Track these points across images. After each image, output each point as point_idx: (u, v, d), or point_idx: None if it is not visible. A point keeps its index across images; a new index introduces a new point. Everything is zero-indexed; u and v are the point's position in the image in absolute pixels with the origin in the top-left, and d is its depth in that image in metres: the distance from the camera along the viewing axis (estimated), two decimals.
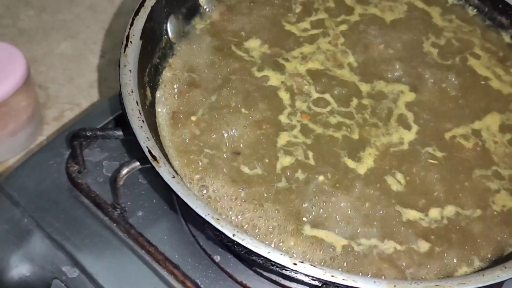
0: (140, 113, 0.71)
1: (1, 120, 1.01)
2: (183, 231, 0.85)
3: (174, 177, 0.67)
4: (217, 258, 0.82)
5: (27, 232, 0.84)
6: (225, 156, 0.79)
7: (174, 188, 0.65)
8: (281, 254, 0.63)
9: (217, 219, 0.64)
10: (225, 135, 0.81)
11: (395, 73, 0.90)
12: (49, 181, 0.87)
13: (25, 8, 1.30)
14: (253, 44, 0.92)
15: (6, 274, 0.82)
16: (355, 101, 0.87)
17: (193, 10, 0.94)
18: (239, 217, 0.75)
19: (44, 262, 0.82)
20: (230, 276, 0.81)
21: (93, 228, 0.84)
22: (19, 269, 0.82)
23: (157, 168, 0.67)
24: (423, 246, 0.75)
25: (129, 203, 0.86)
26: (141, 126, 0.70)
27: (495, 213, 0.78)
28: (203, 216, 0.64)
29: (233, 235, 0.64)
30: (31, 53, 1.21)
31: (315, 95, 0.87)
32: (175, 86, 0.84)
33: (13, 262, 0.83)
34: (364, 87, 0.88)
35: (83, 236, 0.83)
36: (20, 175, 0.88)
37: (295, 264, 0.62)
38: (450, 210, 0.78)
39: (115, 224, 0.84)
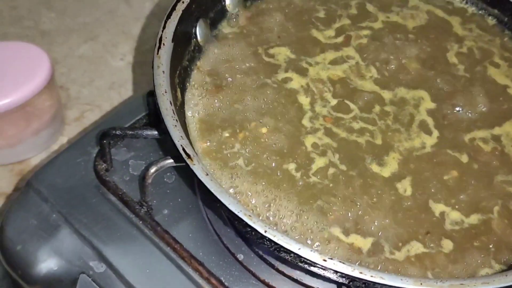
0: (174, 112, 0.73)
1: (25, 119, 1.03)
2: (207, 230, 0.86)
3: (207, 174, 0.68)
4: (241, 256, 0.83)
5: (55, 227, 0.85)
6: (251, 156, 0.82)
7: (208, 185, 0.67)
8: (311, 251, 0.65)
9: (249, 215, 0.66)
10: (252, 137, 0.83)
11: (416, 82, 0.92)
12: (77, 178, 0.89)
13: (46, 11, 1.32)
14: (279, 49, 0.94)
15: (34, 268, 0.84)
16: (377, 108, 0.88)
17: (221, 15, 0.96)
18: (269, 215, 0.77)
19: (72, 256, 0.84)
20: (253, 275, 0.82)
21: (120, 224, 0.86)
22: (47, 263, 0.84)
23: (191, 166, 0.69)
24: (447, 246, 0.76)
25: (155, 201, 0.87)
26: (175, 125, 0.72)
27: None
28: (236, 212, 0.66)
29: (265, 231, 0.66)
30: (52, 54, 1.24)
31: (334, 101, 0.89)
32: (203, 88, 0.86)
33: (41, 256, 0.84)
34: (387, 95, 0.90)
35: (110, 232, 0.85)
36: (48, 172, 0.90)
37: (325, 260, 0.64)
38: (472, 213, 0.80)
39: (141, 221, 0.85)
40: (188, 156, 0.69)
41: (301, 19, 0.99)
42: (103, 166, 0.89)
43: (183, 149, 0.70)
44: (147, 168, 0.80)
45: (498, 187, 0.83)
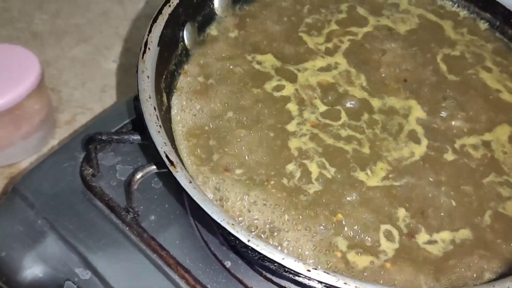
0: (157, 118, 0.72)
1: (14, 122, 1.02)
2: (194, 236, 0.85)
3: (190, 182, 0.67)
4: (228, 263, 0.82)
5: (41, 234, 0.84)
6: (236, 162, 0.81)
7: (190, 193, 0.66)
8: (295, 261, 0.64)
9: (232, 224, 0.65)
10: (238, 142, 0.82)
11: (406, 89, 0.91)
12: (63, 184, 0.88)
13: (38, 12, 1.31)
14: (267, 53, 0.93)
15: (19, 275, 0.83)
16: (366, 116, 0.87)
17: (209, 18, 0.95)
18: (254, 221, 0.76)
19: (57, 263, 0.83)
20: (241, 282, 0.82)
21: (106, 231, 0.85)
22: (32, 270, 0.83)
23: (174, 173, 0.68)
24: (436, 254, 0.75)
25: (141, 207, 0.86)
26: (159, 132, 0.71)
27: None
28: (219, 221, 0.65)
29: (248, 240, 0.64)
30: (44, 56, 1.23)
31: (324, 108, 0.88)
32: (190, 93, 0.85)
33: (27, 263, 0.83)
34: (376, 103, 0.89)
35: (96, 239, 0.84)
36: (35, 177, 0.89)
37: (308, 270, 0.63)
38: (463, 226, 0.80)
39: (128, 228, 0.84)
40: (171, 163, 0.68)
41: (290, 25, 0.98)
42: (90, 171, 0.88)
43: (166, 156, 0.69)
44: (133, 174, 0.79)
45: (489, 189, 0.82)
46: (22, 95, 0.99)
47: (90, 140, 0.84)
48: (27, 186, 0.88)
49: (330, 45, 0.96)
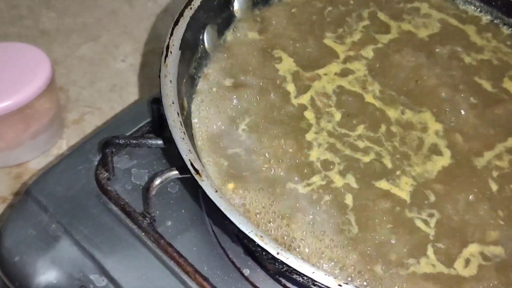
0: (181, 124, 0.71)
1: (24, 122, 1.01)
2: (212, 243, 0.84)
3: (217, 191, 0.66)
4: (247, 271, 0.81)
5: (54, 238, 0.83)
6: (256, 166, 0.80)
7: (217, 203, 0.65)
8: (325, 275, 0.62)
9: (261, 236, 0.64)
10: (257, 150, 0.81)
11: (425, 102, 0.90)
12: (78, 187, 0.87)
13: (47, 10, 1.30)
14: (286, 58, 0.92)
15: (33, 280, 0.81)
16: (383, 128, 0.86)
17: (228, 21, 0.94)
18: (277, 231, 0.75)
19: (72, 269, 0.82)
20: None
21: (122, 236, 0.83)
22: (46, 276, 0.81)
23: (200, 182, 0.66)
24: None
25: (158, 212, 0.85)
26: (183, 138, 0.69)
27: None
28: (247, 233, 0.64)
29: (277, 253, 0.63)
30: (52, 55, 1.21)
31: (339, 117, 0.87)
32: (210, 97, 0.83)
33: (40, 268, 0.82)
34: (392, 113, 0.87)
35: (112, 244, 0.82)
36: (48, 180, 0.87)
37: (340, 286, 0.62)
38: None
39: (144, 233, 0.83)
40: (197, 171, 0.67)
41: (310, 29, 0.96)
42: (105, 175, 0.86)
43: (191, 164, 0.67)
44: (151, 180, 0.78)
45: None
46: (33, 95, 0.98)
47: (107, 144, 0.83)
48: (41, 189, 0.87)
49: (352, 53, 0.95)
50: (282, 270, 0.65)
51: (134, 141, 0.83)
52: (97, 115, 1.17)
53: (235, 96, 0.86)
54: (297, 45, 0.94)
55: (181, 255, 0.81)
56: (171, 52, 0.78)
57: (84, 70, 1.23)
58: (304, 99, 0.88)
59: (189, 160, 0.68)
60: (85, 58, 1.25)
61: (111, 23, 1.31)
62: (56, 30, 1.28)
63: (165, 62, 0.76)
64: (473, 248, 0.78)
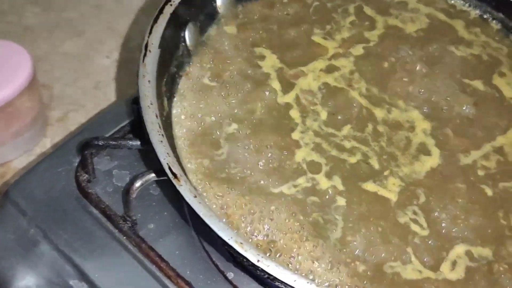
0: (159, 126, 0.69)
1: (6, 120, 0.99)
2: (195, 246, 0.82)
3: (195, 196, 0.63)
4: (231, 275, 0.79)
5: (33, 243, 0.81)
6: (239, 170, 0.78)
7: (195, 208, 0.63)
8: (308, 283, 0.60)
9: (241, 243, 0.61)
10: (241, 148, 0.79)
11: (413, 100, 0.88)
12: (57, 190, 0.84)
13: (30, 5, 1.27)
14: (270, 55, 0.90)
15: (10, 286, 0.79)
16: (370, 127, 0.84)
17: (211, 17, 0.91)
18: (259, 234, 0.73)
19: (51, 275, 0.80)
20: None
21: (102, 240, 0.81)
22: (25, 281, 0.80)
23: (177, 187, 0.64)
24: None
25: (139, 215, 0.82)
26: (161, 141, 0.67)
27: None
28: (226, 240, 0.62)
29: (258, 260, 0.61)
30: (36, 51, 1.18)
31: (325, 115, 0.85)
32: (191, 96, 0.81)
33: (19, 274, 0.80)
34: (379, 112, 0.85)
35: (92, 249, 0.80)
36: (27, 183, 0.85)
37: None
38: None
39: (125, 237, 0.81)
40: (175, 175, 0.64)
41: (296, 25, 0.94)
42: (85, 177, 0.84)
43: (169, 168, 0.65)
44: (131, 182, 0.76)
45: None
46: (14, 93, 0.96)
47: (86, 146, 0.81)
48: (19, 192, 0.84)
49: (341, 50, 0.93)
50: (265, 276, 0.63)
51: (114, 142, 0.81)
52: (81, 112, 1.15)
53: (218, 95, 0.84)
54: (282, 41, 0.92)
55: (163, 259, 0.79)
56: (149, 51, 0.76)
57: (68, 67, 1.20)
58: (290, 97, 0.86)
59: (167, 164, 0.66)
60: (69, 54, 1.22)
61: (95, 18, 1.29)
62: (40, 26, 1.25)
63: (143, 61, 0.74)
64: (460, 249, 0.76)
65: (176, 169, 0.65)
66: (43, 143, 1.10)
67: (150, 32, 0.77)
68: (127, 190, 0.77)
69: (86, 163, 0.83)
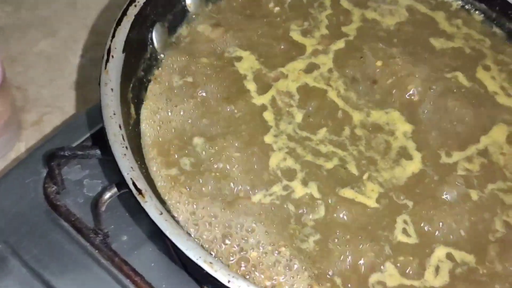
0: (123, 138, 0.65)
1: None
2: (171, 257, 0.79)
3: (161, 213, 0.60)
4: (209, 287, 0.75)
5: (1, 259, 0.78)
6: (209, 174, 0.75)
7: (161, 227, 0.60)
8: None
9: (210, 262, 0.58)
10: (212, 156, 0.76)
11: (393, 98, 0.85)
12: (25, 202, 0.81)
13: (1, 4, 1.23)
14: (248, 56, 0.86)
15: None
16: (347, 130, 0.81)
17: (181, 17, 0.88)
18: (230, 248, 0.70)
19: None
20: None
21: (73, 255, 0.78)
22: None
23: (142, 204, 0.61)
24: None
25: (112, 226, 0.80)
26: (125, 154, 0.64)
27: None
28: (194, 259, 0.58)
29: (228, 281, 0.58)
30: (9, 52, 1.15)
31: (300, 118, 0.82)
32: (162, 102, 0.78)
33: None
34: (357, 114, 0.82)
35: (63, 264, 0.77)
36: None
37: None
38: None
39: (97, 251, 0.78)
40: (139, 191, 0.60)
41: (271, 23, 0.90)
42: (54, 188, 0.80)
43: (133, 183, 0.61)
44: (100, 194, 0.73)
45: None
46: None
47: (52, 157, 0.78)
48: None
49: (320, 47, 0.89)
50: None
51: (80, 152, 0.78)
52: (58, 114, 1.11)
53: (188, 99, 0.80)
54: (260, 41, 0.89)
55: (137, 273, 0.77)
56: (112, 56, 0.72)
57: (43, 67, 1.17)
58: (265, 98, 0.82)
59: (131, 179, 0.62)
60: (43, 54, 1.19)
61: (70, 16, 1.25)
62: (12, 25, 1.21)
63: (105, 68, 0.71)
64: (441, 252, 0.73)
65: (141, 184, 0.62)
66: (18, 147, 1.05)
67: (113, 36, 0.74)
68: (95, 203, 0.74)
69: (53, 174, 0.80)
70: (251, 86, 0.83)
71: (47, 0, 1.25)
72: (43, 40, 1.19)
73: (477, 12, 0.96)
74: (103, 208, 0.74)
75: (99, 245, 0.77)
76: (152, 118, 0.78)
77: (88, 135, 0.86)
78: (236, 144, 0.76)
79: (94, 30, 1.22)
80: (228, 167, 0.75)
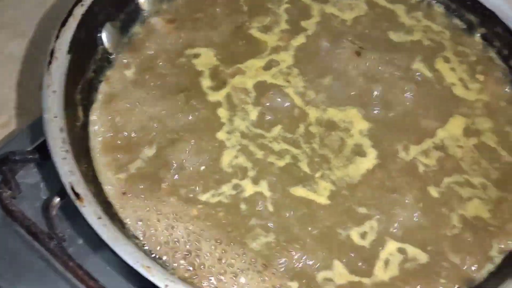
0: (63, 141, 0.63)
1: None
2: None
3: (100, 218, 0.58)
4: None
5: None
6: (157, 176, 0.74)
7: (98, 232, 0.59)
8: None
9: (148, 266, 0.56)
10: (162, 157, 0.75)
11: (349, 97, 0.83)
12: None
13: None
14: (206, 52, 0.86)
15: None
16: (301, 128, 0.80)
17: (134, 16, 0.86)
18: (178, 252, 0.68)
19: None
20: None
21: (29, 261, 0.77)
22: None
23: (80, 209, 0.59)
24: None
25: (68, 230, 0.78)
26: (65, 158, 0.62)
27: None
28: (132, 265, 0.56)
29: (166, 285, 0.56)
30: None
31: (255, 115, 0.80)
32: (111, 102, 0.76)
33: None
34: (313, 111, 0.80)
35: (18, 271, 0.77)
36: None
37: None
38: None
39: (52, 256, 0.75)
40: (78, 196, 0.59)
41: (229, 19, 0.89)
42: (8, 193, 0.78)
43: (72, 188, 0.59)
44: (49, 199, 0.71)
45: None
46: None
47: (3, 161, 0.75)
48: None
49: (281, 43, 0.88)
50: None
51: (32, 157, 0.76)
52: (26, 117, 1.09)
53: (140, 99, 0.79)
54: (217, 37, 0.87)
55: (91, 277, 0.74)
56: (56, 57, 0.71)
57: (12, 69, 1.15)
58: (220, 95, 0.81)
59: (69, 183, 0.60)
60: (13, 56, 1.18)
61: (39, 16, 1.22)
62: None
63: (48, 69, 0.69)
64: (391, 246, 0.72)
65: (80, 189, 0.60)
66: None
67: (57, 37, 0.72)
68: (46, 207, 0.72)
69: (7, 178, 0.77)
70: (206, 82, 0.81)
71: (17, 0, 1.22)
72: (12, 42, 1.18)
73: (437, 4, 0.95)
74: (54, 212, 0.72)
75: (53, 250, 0.75)
76: (101, 120, 0.76)
77: (42, 140, 0.83)
78: (192, 141, 0.75)
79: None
80: (176, 166, 0.75)
